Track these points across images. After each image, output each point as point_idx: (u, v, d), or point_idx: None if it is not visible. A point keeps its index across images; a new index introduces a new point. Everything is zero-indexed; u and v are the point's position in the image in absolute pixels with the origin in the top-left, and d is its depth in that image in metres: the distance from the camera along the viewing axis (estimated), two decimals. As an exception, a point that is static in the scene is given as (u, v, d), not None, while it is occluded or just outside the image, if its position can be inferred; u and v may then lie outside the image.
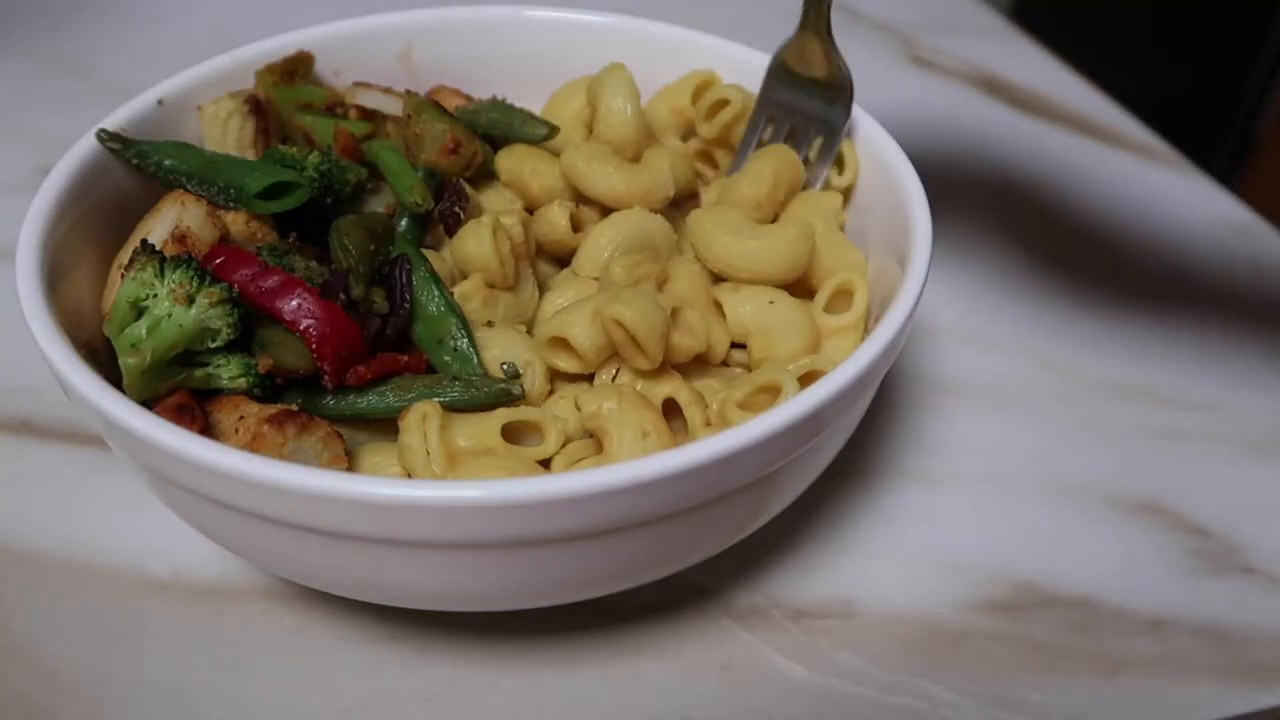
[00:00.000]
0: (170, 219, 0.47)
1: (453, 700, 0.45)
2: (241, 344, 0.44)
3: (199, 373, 0.43)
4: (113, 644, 0.46)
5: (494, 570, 0.39)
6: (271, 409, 0.42)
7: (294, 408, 0.43)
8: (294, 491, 0.35)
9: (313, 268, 0.47)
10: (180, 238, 0.47)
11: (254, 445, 0.41)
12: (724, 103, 0.54)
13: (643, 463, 0.36)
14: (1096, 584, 0.49)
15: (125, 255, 0.47)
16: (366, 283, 0.46)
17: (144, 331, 0.42)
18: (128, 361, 0.42)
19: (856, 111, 0.53)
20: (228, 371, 0.43)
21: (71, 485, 0.53)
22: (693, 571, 0.45)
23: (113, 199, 0.49)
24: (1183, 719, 0.45)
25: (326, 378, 0.43)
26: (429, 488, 0.35)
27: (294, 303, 0.43)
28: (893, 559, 0.50)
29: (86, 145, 0.49)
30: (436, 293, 0.47)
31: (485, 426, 0.43)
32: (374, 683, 0.45)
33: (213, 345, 0.43)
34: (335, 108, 0.57)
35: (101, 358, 0.44)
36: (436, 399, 0.44)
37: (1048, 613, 0.48)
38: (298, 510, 0.36)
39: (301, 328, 0.43)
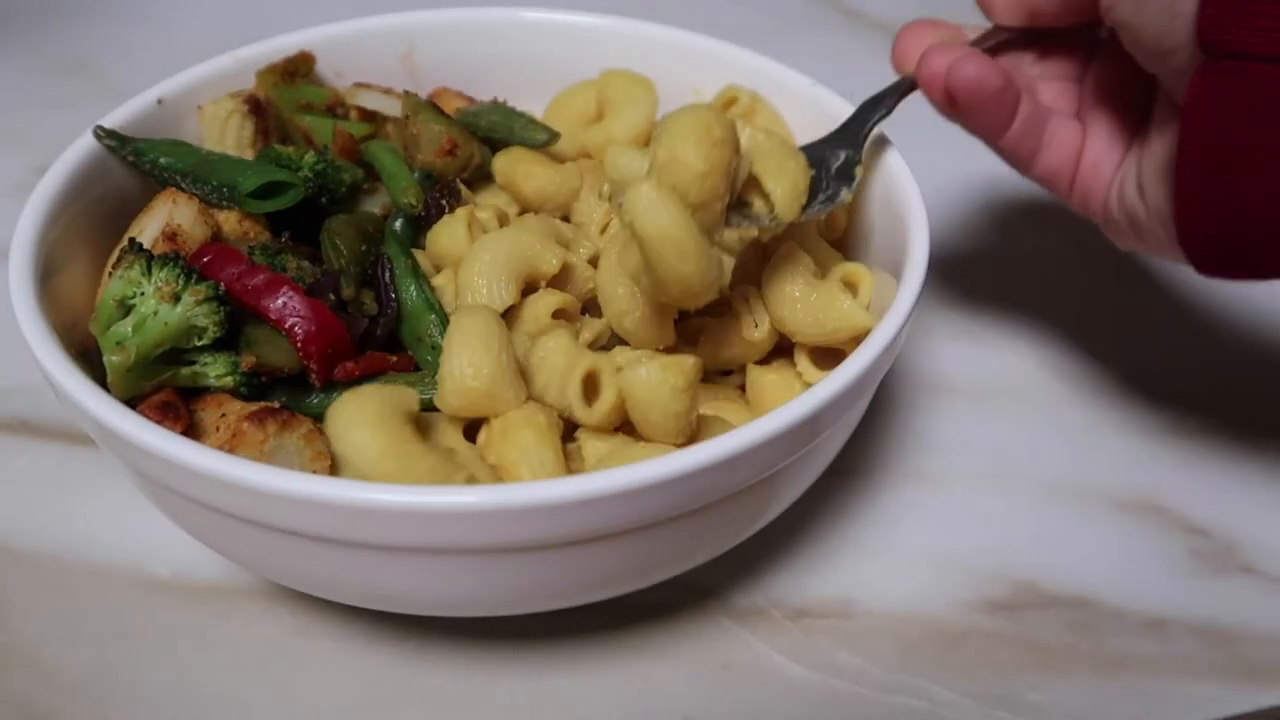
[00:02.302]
0: (161, 217, 0.47)
1: (452, 700, 0.45)
2: (228, 342, 0.44)
3: (185, 371, 0.43)
4: (113, 644, 0.46)
5: (483, 577, 0.39)
6: (253, 407, 0.42)
7: (275, 405, 0.43)
8: (261, 493, 0.35)
9: (304, 268, 0.47)
10: (171, 236, 0.47)
11: (234, 443, 0.41)
12: (733, 100, 0.54)
13: (640, 467, 0.36)
14: (1096, 584, 0.49)
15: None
16: (357, 283, 0.46)
17: (129, 329, 0.42)
18: (112, 359, 0.42)
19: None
20: (214, 369, 0.43)
21: (71, 485, 0.53)
22: (693, 572, 0.45)
23: (111, 198, 0.49)
24: (1183, 719, 0.45)
25: (313, 376, 0.43)
26: (402, 493, 0.35)
27: (280, 301, 0.43)
28: (893, 559, 0.50)
29: (84, 144, 0.49)
30: (415, 290, 0.47)
31: (448, 426, 0.43)
32: (374, 683, 0.45)
33: (199, 343, 0.43)
34: (336, 108, 0.57)
35: (95, 356, 0.44)
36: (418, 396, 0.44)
37: (1048, 613, 0.48)
38: (269, 512, 0.36)
39: (287, 326, 0.43)
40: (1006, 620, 0.48)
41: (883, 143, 0.51)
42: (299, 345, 0.43)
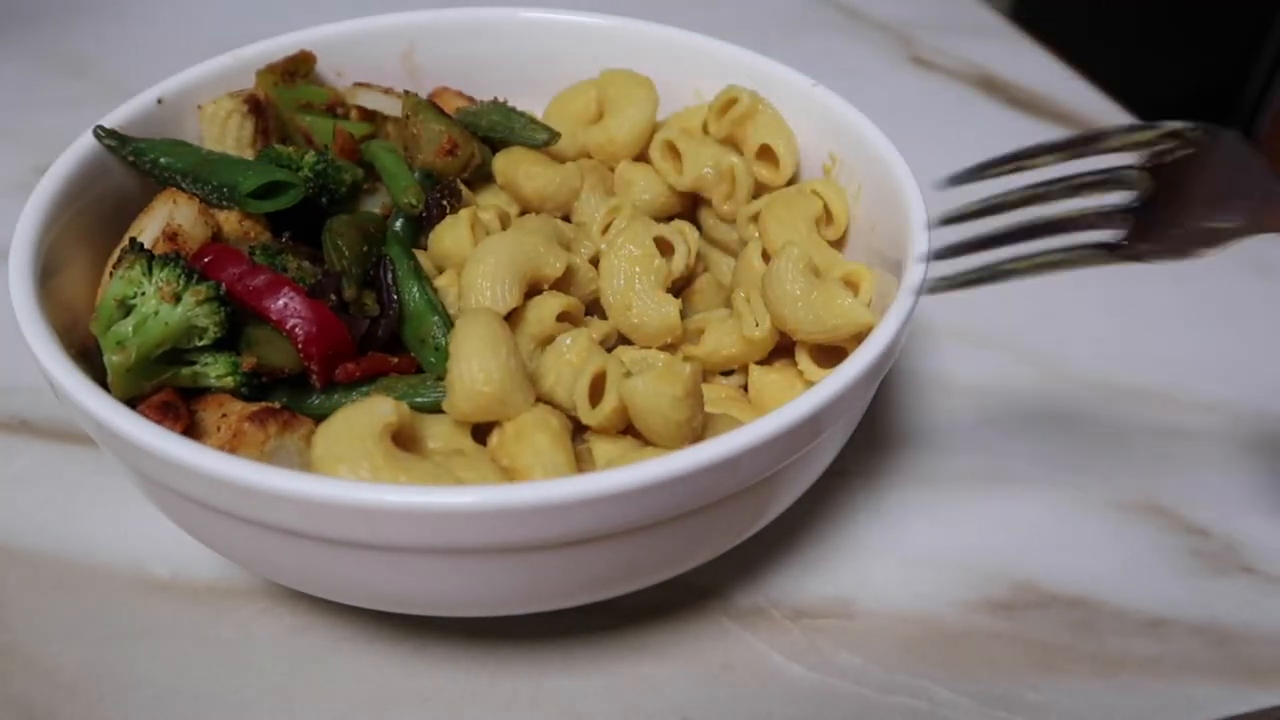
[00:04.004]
0: (162, 217, 0.47)
1: (452, 701, 0.45)
2: (229, 342, 0.44)
3: (186, 371, 0.43)
4: (113, 644, 0.46)
5: (483, 577, 0.39)
6: (254, 407, 0.42)
7: (277, 406, 0.43)
8: (261, 493, 0.35)
9: (305, 268, 0.47)
10: (171, 236, 0.47)
11: (235, 443, 0.41)
12: (733, 101, 0.54)
13: (641, 468, 0.36)
14: (1096, 584, 0.49)
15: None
16: (359, 284, 0.46)
17: (130, 329, 0.42)
18: (113, 359, 0.42)
19: (854, 113, 0.53)
20: (214, 370, 0.43)
21: (71, 485, 0.53)
22: (693, 572, 0.45)
23: (110, 198, 0.49)
24: (1183, 719, 0.45)
25: (314, 377, 0.43)
26: (402, 493, 0.35)
27: (281, 302, 0.43)
28: (893, 559, 0.50)
29: (84, 144, 0.49)
30: (417, 291, 0.47)
31: (456, 428, 0.43)
32: (373, 683, 0.45)
33: (200, 343, 0.43)
34: (336, 108, 0.57)
35: (95, 356, 0.44)
36: (419, 399, 0.44)
37: (1048, 613, 0.48)
38: (269, 512, 0.36)
39: (288, 327, 0.43)
40: (1006, 620, 0.48)
41: (882, 143, 0.51)
42: (300, 346, 0.43)
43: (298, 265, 0.47)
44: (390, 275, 0.47)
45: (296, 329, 0.43)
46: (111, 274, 0.44)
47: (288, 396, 0.44)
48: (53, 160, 0.47)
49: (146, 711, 0.44)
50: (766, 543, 0.50)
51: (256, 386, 0.44)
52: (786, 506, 0.45)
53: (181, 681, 0.45)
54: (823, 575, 0.49)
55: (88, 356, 0.44)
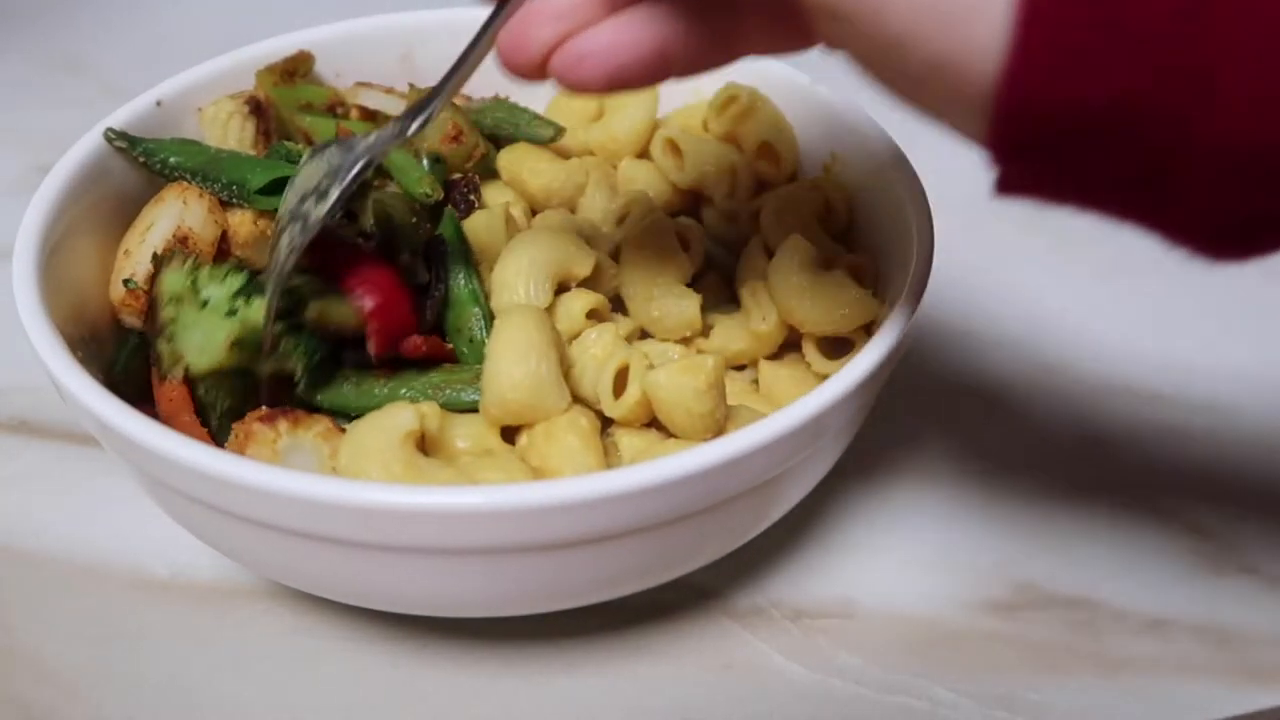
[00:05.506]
0: (174, 214, 0.48)
1: (452, 700, 0.45)
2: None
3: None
4: (113, 644, 0.46)
5: (485, 578, 0.39)
6: (264, 409, 0.42)
7: (286, 407, 0.43)
8: (263, 493, 0.35)
9: (363, 231, 0.46)
10: (182, 239, 0.47)
11: (246, 444, 0.41)
12: (732, 99, 0.55)
13: (639, 468, 0.35)
14: (1096, 584, 0.49)
15: (130, 241, 0.48)
16: (414, 251, 0.46)
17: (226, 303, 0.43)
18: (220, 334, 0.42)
19: (855, 109, 0.53)
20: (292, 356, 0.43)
21: (71, 485, 0.53)
22: (693, 572, 0.45)
23: (113, 197, 0.50)
24: (1183, 719, 0.45)
25: (371, 344, 0.43)
26: (405, 494, 0.35)
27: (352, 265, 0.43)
28: (893, 559, 0.50)
29: (87, 144, 0.49)
30: (463, 279, 0.47)
31: (486, 428, 0.43)
32: (374, 683, 0.45)
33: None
34: (336, 108, 0.57)
35: (101, 346, 0.44)
36: (463, 398, 0.44)
37: (1048, 613, 0.48)
38: (272, 512, 0.36)
39: (356, 293, 0.43)
40: (1006, 620, 0.48)
41: (885, 142, 0.51)
42: (367, 313, 0.43)
43: (356, 231, 0.46)
44: (440, 256, 0.47)
45: (365, 298, 0.43)
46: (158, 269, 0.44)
47: (324, 396, 0.44)
48: (54, 160, 0.47)
49: (146, 711, 0.44)
50: (767, 543, 0.50)
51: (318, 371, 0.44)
52: (790, 507, 0.45)
53: (181, 681, 0.45)
54: (823, 575, 0.49)
55: (93, 352, 0.44)
